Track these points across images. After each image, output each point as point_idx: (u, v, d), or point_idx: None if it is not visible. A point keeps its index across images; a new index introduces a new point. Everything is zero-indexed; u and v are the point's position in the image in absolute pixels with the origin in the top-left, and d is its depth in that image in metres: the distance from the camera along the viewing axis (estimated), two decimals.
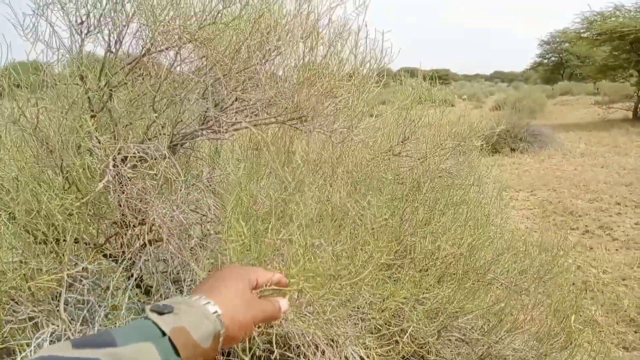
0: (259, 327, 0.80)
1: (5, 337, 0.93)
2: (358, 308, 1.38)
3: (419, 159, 2.50)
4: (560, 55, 33.06)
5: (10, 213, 0.99)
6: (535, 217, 5.24)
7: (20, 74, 1.16)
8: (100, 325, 1.05)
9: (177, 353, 0.48)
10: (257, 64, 1.12)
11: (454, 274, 1.68)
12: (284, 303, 0.68)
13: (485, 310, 1.83)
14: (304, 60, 1.22)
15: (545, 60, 34.59)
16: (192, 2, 1.14)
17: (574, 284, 3.46)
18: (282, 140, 1.48)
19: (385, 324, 1.38)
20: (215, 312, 0.54)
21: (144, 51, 1.13)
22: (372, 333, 1.29)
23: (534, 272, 1.95)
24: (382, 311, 1.30)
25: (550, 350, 1.92)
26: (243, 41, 1.11)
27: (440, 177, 2.53)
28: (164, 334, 0.48)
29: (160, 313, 0.50)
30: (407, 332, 1.36)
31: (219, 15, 1.12)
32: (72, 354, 0.42)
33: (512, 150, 9.38)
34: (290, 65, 1.17)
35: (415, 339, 1.43)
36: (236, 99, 1.26)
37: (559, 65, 33.73)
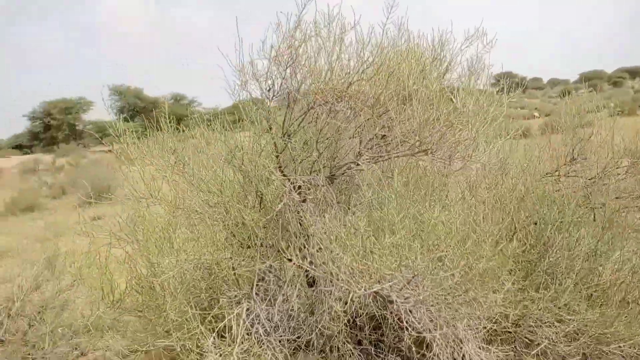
0: None
1: (221, 307, 1.41)
2: (496, 322, 1.49)
3: (590, 179, 2.38)
4: None
5: (224, 224, 1.49)
6: None
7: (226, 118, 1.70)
8: (279, 307, 1.46)
9: None
10: (393, 109, 1.40)
11: (612, 298, 1.61)
12: None
13: None
14: (435, 102, 1.45)
15: None
16: (343, 65, 1.50)
17: None
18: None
19: (523, 337, 1.44)
20: None
21: (309, 107, 1.53)
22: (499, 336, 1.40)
23: None
24: (518, 325, 1.38)
25: None
26: (380, 92, 1.41)
27: (617, 197, 2.36)
28: None
29: None
30: (540, 345, 1.41)
31: (363, 74, 1.45)
32: None
33: None
34: (420, 107, 1.42)
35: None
36: (381, 137, 1.57)
37: None
